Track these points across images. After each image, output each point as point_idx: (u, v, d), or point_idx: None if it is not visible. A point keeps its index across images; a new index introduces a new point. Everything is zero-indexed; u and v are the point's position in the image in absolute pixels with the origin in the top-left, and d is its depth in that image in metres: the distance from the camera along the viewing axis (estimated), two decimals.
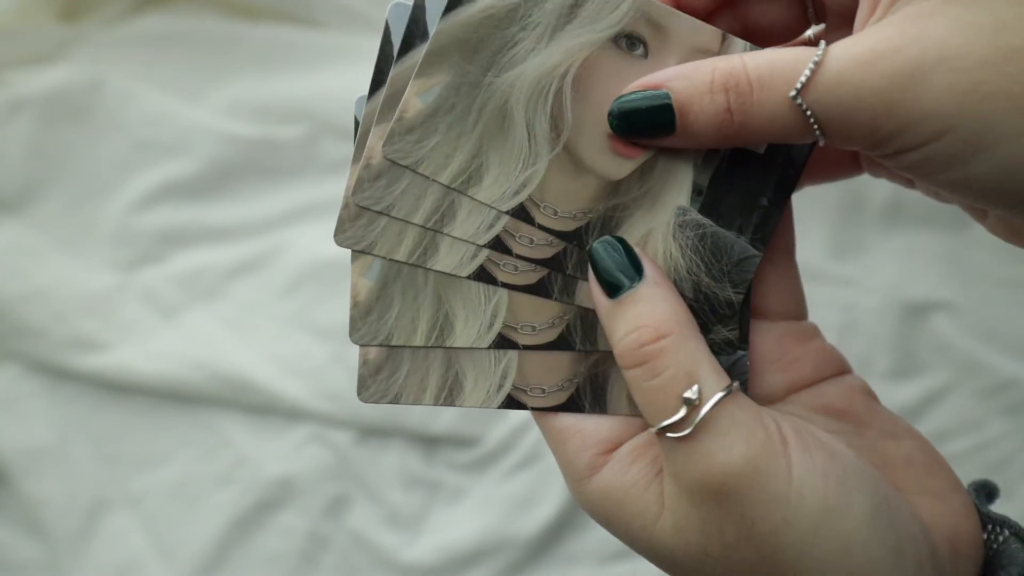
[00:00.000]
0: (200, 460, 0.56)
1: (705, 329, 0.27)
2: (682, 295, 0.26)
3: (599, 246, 0.26)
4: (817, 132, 0.24)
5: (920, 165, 0.23)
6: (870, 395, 0.29)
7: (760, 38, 0.29)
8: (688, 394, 0.24)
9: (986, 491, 0.30)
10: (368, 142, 0.27)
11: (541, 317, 0.27)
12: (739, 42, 0.27)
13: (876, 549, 0.24)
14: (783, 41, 0.29)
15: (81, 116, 0.61)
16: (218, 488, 0.56)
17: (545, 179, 0.27)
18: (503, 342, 0.27)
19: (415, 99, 0.27)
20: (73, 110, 0.61)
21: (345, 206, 0.27)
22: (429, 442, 0.57)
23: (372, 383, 0.27)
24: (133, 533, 0.55)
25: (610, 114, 0.26)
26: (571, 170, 0.27)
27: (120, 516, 0.56)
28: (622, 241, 0.26)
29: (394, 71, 0.27)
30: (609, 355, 0.27)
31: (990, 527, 0.28)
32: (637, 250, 0.26)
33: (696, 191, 0.27)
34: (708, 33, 0.27)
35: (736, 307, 0.27)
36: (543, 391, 0.27)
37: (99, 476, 0.56)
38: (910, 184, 0.31)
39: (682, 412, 0.24)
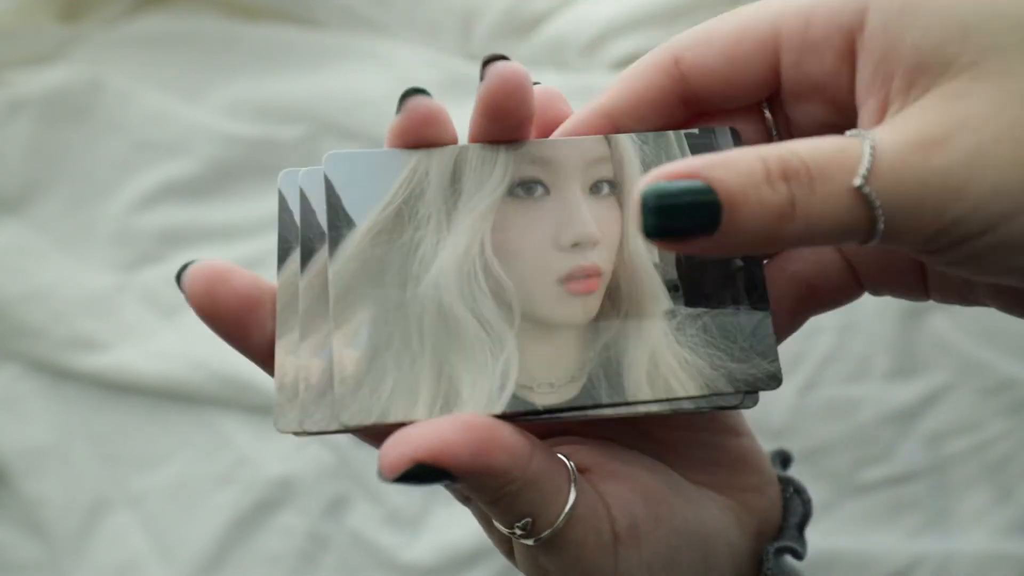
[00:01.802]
0: (200, 460, 0.56)
1: (744, 361, 0.26)
2: (721, 393, 0.25)
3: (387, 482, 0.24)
4: (881, 225, 0.22)
5: (984, 252, 0.22)
6: None
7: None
8: (518, 528, 0.25)
9: (781, 458, 0.34)
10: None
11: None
12: (624, 138, 0.26)
13: None
14: None
15: (81, 116, 0.61)
16: (218, 488, 0.56)
17: (523, 358, 0.24)
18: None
19: (347, 351, 0.24)
20: (73, 110, 0.61)
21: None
22: None
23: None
24: (133, 533, 0.55)
25: (644, 207, 0.22)
26: (542, 334, 0.25)
27: (120, 516, 0.56)
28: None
29: (302, 284, 0.25)
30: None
31: (783, 488, 0.32)
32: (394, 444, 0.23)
33: (672, 288, 0.26)
34: (592, 142, 0.26)
35: (779, 376, 0.26)
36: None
37: (99, 476, 0.56)
38: (923, 295, 0.30)
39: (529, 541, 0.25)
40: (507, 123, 0.26)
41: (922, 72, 0.23)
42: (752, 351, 0.26)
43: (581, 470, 0.27)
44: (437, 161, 0.26)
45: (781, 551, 0.30)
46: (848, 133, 0.23)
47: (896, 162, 0.22)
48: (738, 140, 0.27)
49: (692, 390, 0.25)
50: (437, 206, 0.25)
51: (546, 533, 0.25)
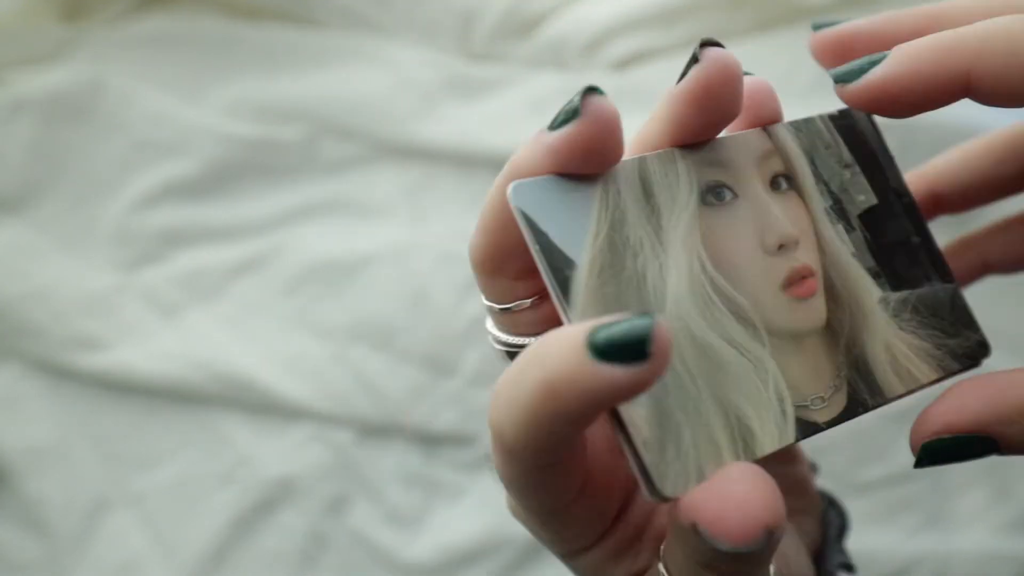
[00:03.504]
0: (200, 460, 0.56)
1: (956, 335, 0.26)
2: (953, 372, 0.25)
3: None
4: None
5: None
6: None
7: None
8: None
9: (812, 469, 0.33)
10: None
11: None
12: (780, 128, 0.25)
13: None
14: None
15: (81, 116, 0.61)
16: (218, 488, 0.56)
17: (786, 376, 0.23)
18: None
19: (634, 410, 0.21)
20: (73, 110, 0.61)
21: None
22: (429, 441, 0.57)
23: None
24: (133, 533, 0.55)
25: (923, 448, 0.23)
26: (791, 347, 0.23)
27: (120, 516, 0.56)
28: None
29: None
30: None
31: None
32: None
33: (874, 275, 0.25)
34: (755, 137, 0.25)
35: (987, 343, 0.26)
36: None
37: (99, 476, 0.56)
38: None
39: None
40: (714, 116, 0.23)
41: None
42: (958, 324, 0.25)
43: None
44: (624, 180, 0.23)
45: (841, 567, 0.29)
46: None
47: None
48: (871, 123, 0.27)
49: (931, 375, 0.25)
50: (644, 228, 0.23)
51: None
